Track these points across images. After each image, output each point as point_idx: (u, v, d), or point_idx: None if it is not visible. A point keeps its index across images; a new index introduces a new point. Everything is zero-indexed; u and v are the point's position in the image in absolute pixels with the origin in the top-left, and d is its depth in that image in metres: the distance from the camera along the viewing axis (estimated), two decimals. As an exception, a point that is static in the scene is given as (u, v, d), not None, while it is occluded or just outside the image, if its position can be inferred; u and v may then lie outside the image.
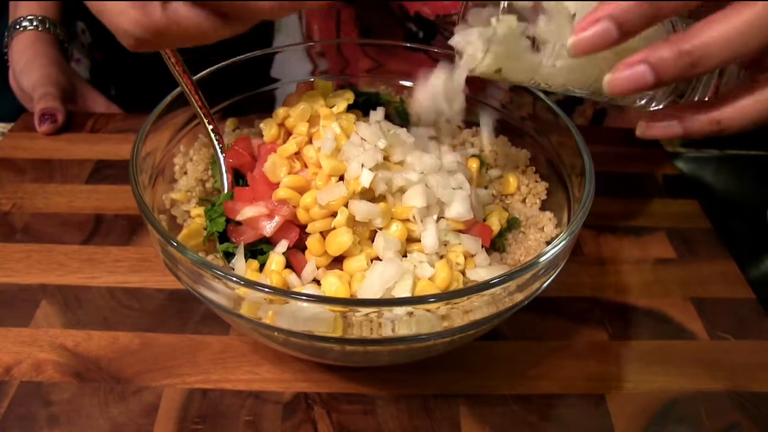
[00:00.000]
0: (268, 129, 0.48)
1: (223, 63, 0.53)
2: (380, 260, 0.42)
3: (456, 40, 0.42)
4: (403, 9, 0.73)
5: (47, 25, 0.77)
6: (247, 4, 0.34)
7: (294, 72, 0.58)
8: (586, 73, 0.39)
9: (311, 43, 0.67)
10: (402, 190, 0.43)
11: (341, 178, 0.44)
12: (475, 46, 0.40)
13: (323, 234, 0.43)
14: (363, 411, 0.44)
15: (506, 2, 0.38)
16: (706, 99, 0.42)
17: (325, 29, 0.78)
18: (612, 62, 0.34)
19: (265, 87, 0.57)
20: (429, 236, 0.42)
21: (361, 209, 0.42)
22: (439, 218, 0.44)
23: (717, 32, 0.32)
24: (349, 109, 0.48)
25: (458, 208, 0.44)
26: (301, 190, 0.44)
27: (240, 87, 0.55)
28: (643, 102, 0.43)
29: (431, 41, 0.72)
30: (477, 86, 0.56)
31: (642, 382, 0.47)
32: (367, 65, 0.62)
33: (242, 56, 0.54)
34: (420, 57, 0.59)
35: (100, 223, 0.58)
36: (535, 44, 0.38)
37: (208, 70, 0.52)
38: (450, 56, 0.56)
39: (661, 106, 0.43)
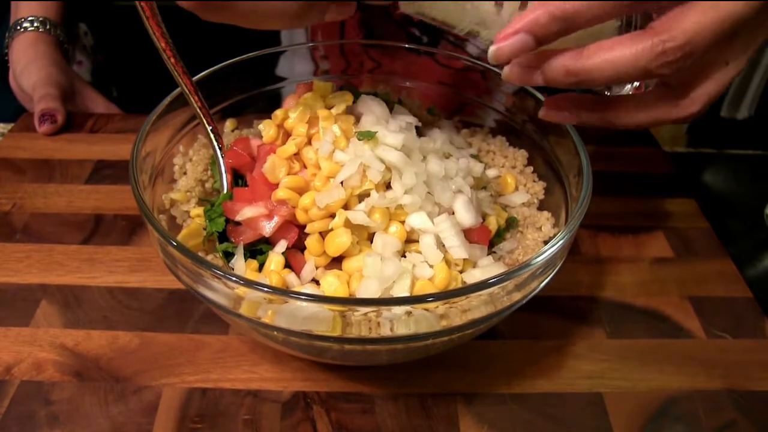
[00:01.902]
0: (267, 130, 0.48)
1: (223, 64, 0.53)
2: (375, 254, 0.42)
3: None
4: (407, 14, 0.73)
5: (48, 26, 0.77)
6: None
7: (296, 72, 0.58)
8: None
9: (312, 44, 0.67)
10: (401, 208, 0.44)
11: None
12: None
13: (322, 234, 0.43)
14: (362, 410, 0.44)
15: None
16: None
17: (328, 34, 0.78)
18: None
19: (265, 87, 0.57)
20: (429, 249, 0.42)
21: (359, 218, 0.42)
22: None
23: None
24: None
25: (464, 216, 0.44)
26: (301, 191, 0.44)
27: (243, 86, 0.55)
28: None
29: (436, 46, 0.73)
30: (479, 88, 0.57)
31: (640, 381, 0.47)
32: (369, 67, 0.62)
33: (241, 57, 0.54)
34: (423, 59, 0.59)
35: (100, 223, 0.59)
36: None
37: (208, 70, 0.52)
38: (452, 57, 0.57)
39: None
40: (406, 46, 0.58)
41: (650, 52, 0.34)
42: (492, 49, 0.37)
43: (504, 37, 0.36)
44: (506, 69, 0.39)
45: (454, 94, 0.58)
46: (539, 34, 0.35)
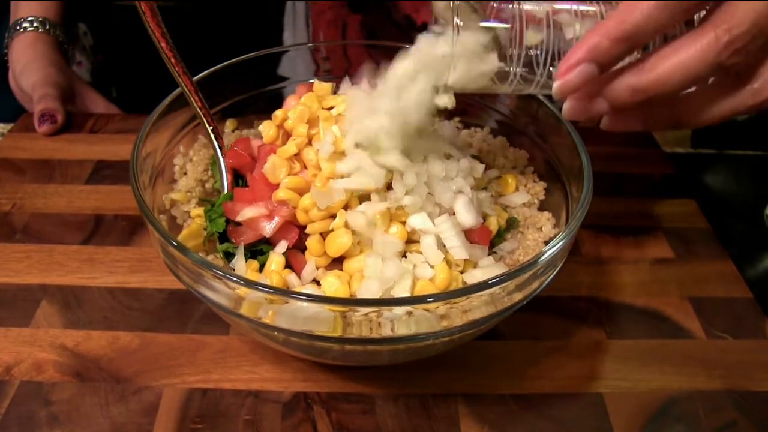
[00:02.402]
0: (267, 130, 0.48)
1: (224, 64, 0.53)
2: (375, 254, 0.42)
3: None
4: (409, 19, 0.73)
5: (47, 27, 0.77)
6: None
7: (297, 72, 0.58)
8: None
9: (311, 44, 0.67)
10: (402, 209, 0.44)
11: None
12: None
13: (323, 235, 0.43)
14: (362, 410, 0.44)
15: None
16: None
17: (330, 37, 0.78)
18: None
19: (266, 88, 0.57)
20: (430, 249, 0.42)
21: (359, 223, 0.42)
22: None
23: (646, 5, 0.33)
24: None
25: (465, 216, 0.44)
26: (301, 192, 0.44)
27: (244, 86, 0.55)
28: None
29: None
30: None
31: (640, 381, 0.47)
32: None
33: (242, 57, 0.54)
34: None
35: (100, 224, 0.59)
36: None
37: (209, 70, 0.52)
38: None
39: None
40: (408, 46, 0.58)
41: (717, 44, 0.33)
42: (556, 85, 0.35)
43: (566, 70, 0.34)
44: (566, 107, 0.38)
45: (455, 95, 0.57)
46: (603, 60, 0.33)
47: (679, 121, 0.39)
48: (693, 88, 0.39)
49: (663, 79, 0.35)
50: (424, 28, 0.71)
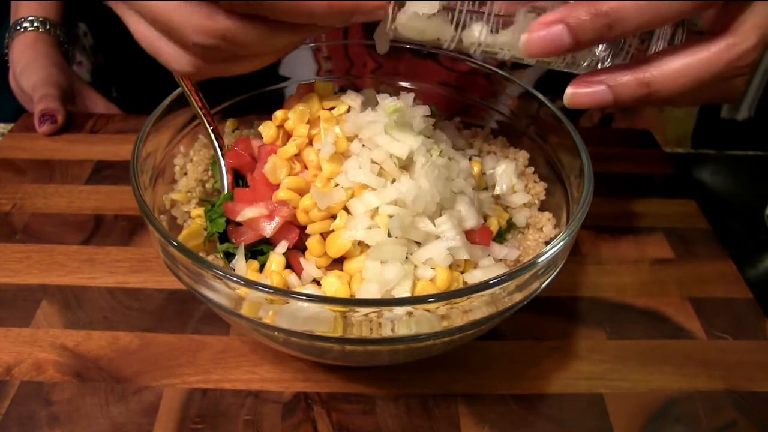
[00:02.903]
0: (267, 131, 0.48)
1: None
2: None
3: None
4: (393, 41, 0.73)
5: (48, 27, 0.77)
6: (297, 5, 0.32)
7: (298, 72, 0.58)
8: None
9: (314, 44, 0.67)
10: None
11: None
12: None
13: (323, 235, 0.43)
14: (362, 410, 0.44)
15: None
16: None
17: (332, 35, 0.78)
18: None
19: (266, 88, 0.57)
20: (432, 251, 0.42)
21: (359, 233, 0.42)
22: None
23: None
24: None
25: (466, 217, 0.44)
26: (302, 192, 0.44)
27: (244, 86, 0.55)
28: (563, 63, 0.40)
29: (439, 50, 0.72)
30: (482, 90, 0.57)
31: (640, 382, 0.47)
32: (372, 67, 0.61)
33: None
34: (426, 62, 0.59)
35: (100, 224, 0.59)
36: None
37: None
38: (456, 60, 0.56)
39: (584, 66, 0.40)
40: (408, 46, 0.58)
41: (727, 54, 0.33)
42: (523, 38, 0.34)
43: (538, 26, 0.33)
44: (569, 92, 0.37)
45: (457, 95, 0.58)
46: (577, 30, 0.32)
47: (648, 83, 0.36)
48: (661, 47, 0.38)
49: (671, 77, 0.34)
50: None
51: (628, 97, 0.36)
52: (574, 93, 0.38)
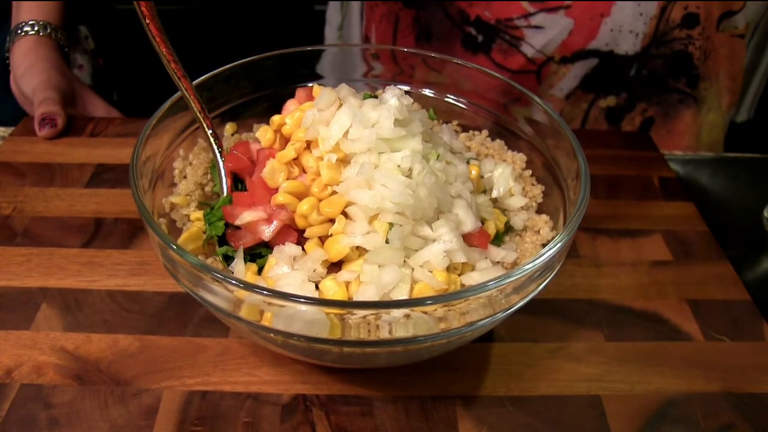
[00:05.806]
0: (264, 135, 0.48)
1: (224, 67, 0.53)
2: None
3: None
4: (463, 13, 0.72)
5: (48, 30, 0.78)
6: None
7: (345, 71, 0.58)
8: None
9: (320, 46, 0.66)
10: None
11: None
12: None
13: (321, 239, 0.43)
14: (361, 412, 0.44)
15: None
16: None
17: (382, 31, 0.78)
18: None
19: (266, 91, 0.57)
20: (430, 254, 0.42)
21: (357, 239, 0.42)
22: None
23: None
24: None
25: (465, 221, 0.44)
26: (300, 196, 0.44)
27: (243, 89, 0.55)
28: None
29: (491, 45, 0.72)
30: (479, 91, 0.57)
31: (638, 384, 0.47)
32: (421, 71, 0.60)
33: (242, 60, 0.54)
34: (467, 69, 0.58)
35: (100, 227, 0.59)
36: None
37: (208, 74, 0.52)
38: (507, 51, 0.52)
39: None
40: (456, 61, 0.57)
41: None
42: None
43: None
44: None
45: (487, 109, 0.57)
46: None
47: None
48: None
49: None
50: (477, 21, 0.70)
51: None
52: None
